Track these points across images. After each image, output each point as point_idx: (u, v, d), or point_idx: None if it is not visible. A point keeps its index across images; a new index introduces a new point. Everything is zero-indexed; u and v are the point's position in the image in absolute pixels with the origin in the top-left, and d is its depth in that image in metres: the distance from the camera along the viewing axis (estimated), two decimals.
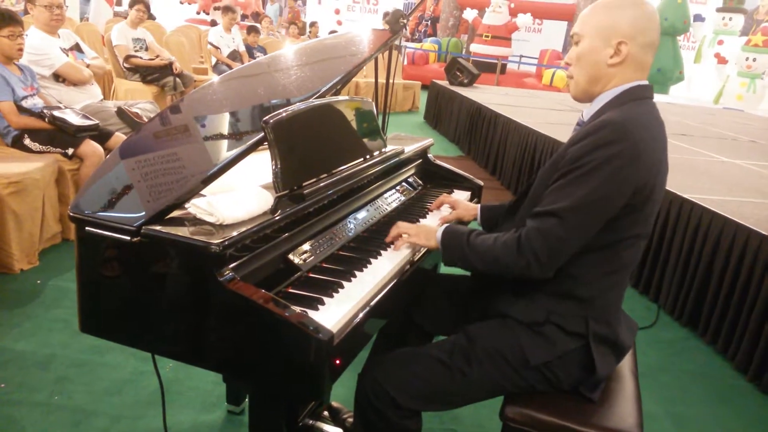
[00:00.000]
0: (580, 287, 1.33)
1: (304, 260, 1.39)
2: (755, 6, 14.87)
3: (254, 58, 6.91)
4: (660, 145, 1.29)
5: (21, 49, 3.11)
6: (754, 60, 11.30)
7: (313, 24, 12.75)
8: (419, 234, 1.53)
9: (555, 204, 1.25)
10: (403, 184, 2.10)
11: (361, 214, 1.72)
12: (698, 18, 13.87)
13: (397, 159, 1.96)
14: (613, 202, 1.23)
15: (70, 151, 3.15)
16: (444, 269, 2.40)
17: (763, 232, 2.56)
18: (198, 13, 15.49)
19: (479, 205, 1.84)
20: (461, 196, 2.20)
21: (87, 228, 1.21)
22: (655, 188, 1.27)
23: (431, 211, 1.92)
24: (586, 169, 1.22)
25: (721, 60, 12.92)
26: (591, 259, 1.31)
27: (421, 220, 1.83)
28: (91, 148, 3.20)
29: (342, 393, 2.06)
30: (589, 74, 1.35)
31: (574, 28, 1.38)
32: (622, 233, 1.29)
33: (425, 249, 1.66)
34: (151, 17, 8.91)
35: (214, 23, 12.11)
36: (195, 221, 1.21)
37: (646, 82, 1.34)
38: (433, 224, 1.69)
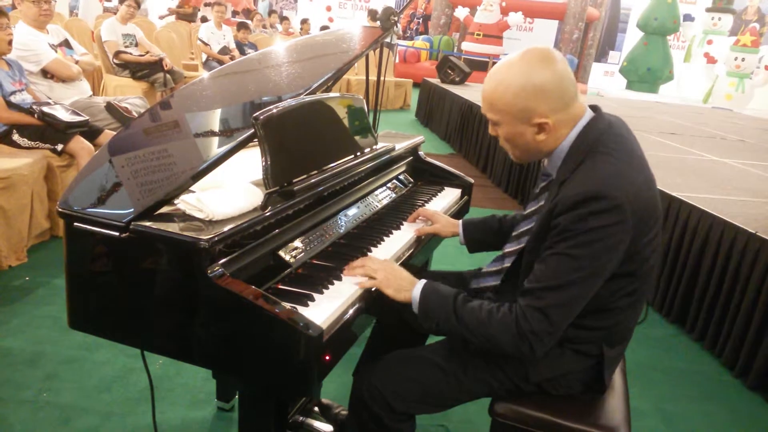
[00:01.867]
0: (600, 318, 1.30)
1: (295, 257, 1.39)
2: (744, 6, 14.98)
3: (245, 55, 6.89)
4: (645, 187, 1.22)
5: (10, 42, 3.08)
6: (743, 60, 11.40)
7: (304, 21, 12.70)
8: (389, 281, 1.34)
9: (549, 280, 1.19)
10: (394, 181, 2.10)
11: (352, 211, 1.72)
12: (688, 18, 13.97)
13: (388, 156, 1.96)
14: (607, 267, 1.19)
15: (60, 147, 3.13)
16: (434, 266, 2.40)
17: (751, 230, 2.58)
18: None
19: (461, 222, 1.74)
20: (451, 193, 2.20)
21: (75, 224, 1.21)
22: (647, 230, 1.22)
23: (405, 222, 1.80)
24: (576, 242, 1.16)
25: (711, 60, 13.02)
26: (614, 290, 1.26)
27: (394, 232, 1.71)
28: (80, 144, 3.17)
29: (332, 389, 2.06)
30: (524, 151, 1.31)
31: (483, 108, 1.30)
32: (639, 272, 1.26)
33: (414, 249, 1.65)
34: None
35: (204, 20, 12.04)
36: (184, 217, 1.21)
37: (589, 116, 1.27)
38: (404, 240, 1.66)
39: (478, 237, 1.73)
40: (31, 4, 3.54)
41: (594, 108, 1.30)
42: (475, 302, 1.28)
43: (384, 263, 1.40)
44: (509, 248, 1.45)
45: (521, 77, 1.21)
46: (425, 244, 1.76)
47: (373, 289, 1.36)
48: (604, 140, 1.24)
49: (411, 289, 1.33)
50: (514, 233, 1.46)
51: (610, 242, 1.16)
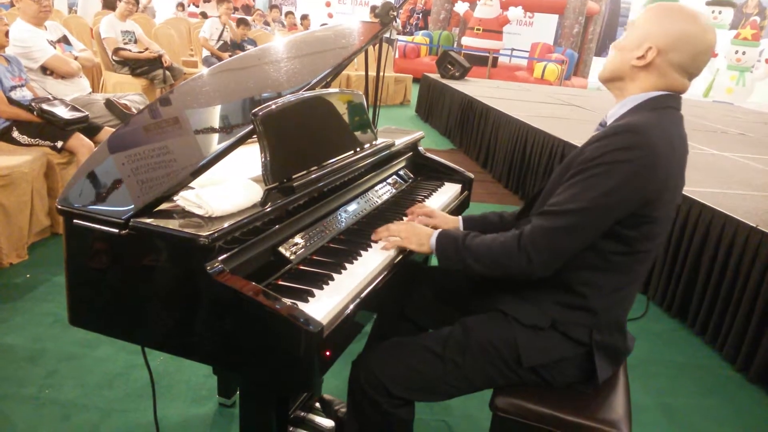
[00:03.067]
0: (592, 299, 1.31)
1: (294, 252, 1.39)
2: (744, 0, 14.93)
3: (244, 51, 6.88)
4: (677, 157, 1.25)
5: (7, 33, 3.08)
6: (744, 53, 11.38)
7: (304, 17, 12.68)
8: (410, 237, 1.49)
9: (564, 203, 1.23)
10: (394, 176, 2.10)
11: (352, 207, 1.72)
12: None
13: (388, 152, 1.95)
14: (621, 207, 1.20)
15: (60, 144, 3.12)
16: (435, 261, 2.40)
17: (752, 224, 2.58)
18: (189, 5, 15.37)
19: (461, 217, 1.75)
20: (452, 189, 2.20)
21: (75, 221, 1.21)
22: (666, 199, 1.24)
23: (405, 219, 1.79)
24: (599, 170, 1.19)
25: (712, 53, 13.00)
26: (605, 273, 1.29)
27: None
28: (80, 141, 3.17)
29: (334, 384, 2.06)
30: (615, 66, 1.32)
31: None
32: (638, 247, 1.27)
33: None
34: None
35: (204, 15, 12.03)
36: (184, 214, 1.21)
37: (673, 93, 1.30)
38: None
39: (478, 228, 1.72)
40: (31, 1, 3.53)
41: (680, 96, 1.33)
42: (484, 235, 1.36)
43: (405, 224, 1.55)
44: None
45: (681, 13, 1.24)
46: None
47: (397, 255, 1.50)
48: (670, 112, 1.27)
49: (429, 239, 1.45)
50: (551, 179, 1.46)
51: (633, 180, 1.18)
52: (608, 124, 1.33)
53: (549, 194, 1.33)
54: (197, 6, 15.06)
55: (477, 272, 1.36)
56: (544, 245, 1.24)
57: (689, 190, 3.06)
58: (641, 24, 1.28)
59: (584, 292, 1.31)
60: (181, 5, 14.07)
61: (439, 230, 1.46)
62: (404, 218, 1.77)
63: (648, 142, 1.17)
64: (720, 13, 13.28)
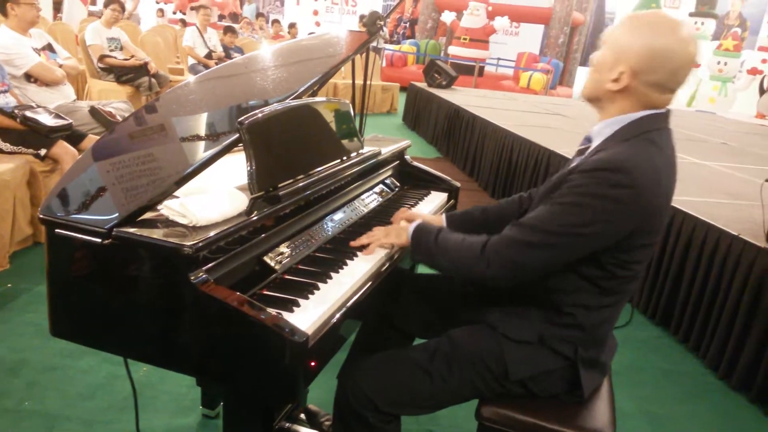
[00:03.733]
0: (580, 318, 1.31)
1: (280, 262, 1.38)
2: (726, 11, 15.18)
3: (231, 59, 6.86)
4: (664, 190, 1.22)
5: None
6: (725, 64, 11.55)
7: (292, 25, 12.69)
8: (390, 233, 1.53)
9: (537, 220, 1.22)
10: (381, 185, 2.10)
11: (338, 216, 1.72)
12: None
13: (374, 160, 1.96)
14: (594, 240, 1.20)
15: (43, 152, 3.09)
16: (422, 269, 2.40)
17: (734, 233, 2.61)
18: (174, 12, 15.34)
19: (444, 215, 1.75)
20: (438, 197, 2.20)
21: (57, 230, 1.19)
22: (649, 230, 1.23)
23: (392, 222, 1.77)
24: (580, 200, 1.18)
25: (694, 64, 13.19)
26: (594, 295, 1.29)
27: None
28: (64, 149, 3.14)
29: (319, 395, 2.05)
30: (592, 87, 1.29)
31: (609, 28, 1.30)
32: (623, 273, 1.27)
33: (401, 251, 1.65)
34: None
35: (183, 23, 11.99)
36: (168, 223, 1.20)
37: (658, 111, 1.26)
38: None
39: (464, 228, 1.70)
40: (29, 7, 3.51)
41: (667, 109, 1.29)
42: (456, 234, 1.37)
43: (385, 227, 1.58)
44: None
45: (654, 28, 1.19)
46: None
47: (386, 263, 1.50)
48: (658, 134, 1.24)
49: (407, 230, 1.47)
50: (537, 194, 1.45)
51: (610, 216, 1.17)
52: (593, 141, 1.32)
53: (534, 209, 1.32)
54: (184, 13, 15.02)
55: (442, 269, 1.38)
56: (505, 254, 1.24)
57: (672, 198, 3.09)
58: (613, 42, 1.24)
59: (573, 311, 1.31)
60: (161, 11, 14.04)
61: (419, 222, 1.48)
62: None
63: (633, 182, 1.15)
64: (702, 24, 13.48)
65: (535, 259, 1.23)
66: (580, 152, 1.37)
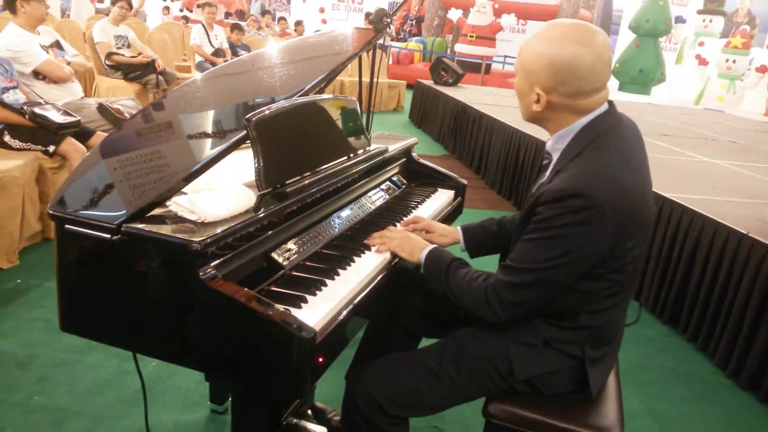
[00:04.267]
0: (584, 320, 1.31)
1: (288, 258, 1.38)
2: (734, 9, 15.08)
3: (238, 56, 6.88)
4: (635, 196, 1.21)
5: None
6: (734, 62, 11.46)
7: (298, 23, 12.69)
8: (403, 246, 1.50)
9: (521, 261, 1.24)
10: (387, 182, 2.10)
11: (345, 213, 1.72)
12: (679, 20, 14.04)
13: (381, 158, 1.96)
14: (580, 263, 1.21)
15: (51, 148, 3.11)
16: None
17: (742, 231, 2.60)
18: (181, 10, 15.37)
19: (460, 229, 1.73)
20: (444, 195, 2.20)
21: (66, 226, 1.20)
22: (632, 232, 1.22)
23: (399, 225, 1.76)
24: (553, 233, 1.19)
25: (702, 61, 13.09)
26: (595, 302, 1.29)
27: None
28: (72, 146, 3.15)
29: (327, 391, 2.06)
30: (525, 112, 1.32)
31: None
32: (619, 277, 1.27)
33: None
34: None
35: (186, 20, 12.00)
36: (176, 219, 1.21)
37: (601, 110, 1.25)
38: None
39: (480, 242, 1.71)
40: (38, 4, 3.53)
41: (610, 103, 1.28)
42: (464, 270, 1.36)
43: (400, 232, 1.56)
44: None
45: (549, 43, 1.20)
46: None
47: (392, 260, 1.51)
48: (605, 138, 1.24)
49: (420, 252, 1.45)
50: (517, 218, 1.46)
51: (584, 240, 1.18)
52: (552, 156, 1.32)
53: (515, 239, 1.33)
54: (190, 11, 15.05)
55: (452, 302, 1.37)
56: (508, 300, 1.26)
57: (681, 197, 3.08)
58: (521, 68, 1.26)
59: (577, 317, 1.31)
60: (166, 8, 14.05)
61: (432, 247, 1.46)
62: (397, 225, 1.77)
63: (594, 202, 1.15)
64: (710, 21, 13.39)
65: (530, 296, 1.25)
66: (543, 168, 1.38)
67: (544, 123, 1.32)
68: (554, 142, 1.31)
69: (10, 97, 3.10)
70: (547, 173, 1.33)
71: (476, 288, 1.30)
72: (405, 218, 1.81)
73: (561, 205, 1.18)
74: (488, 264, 1.52)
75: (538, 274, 1.22)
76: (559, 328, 1.32)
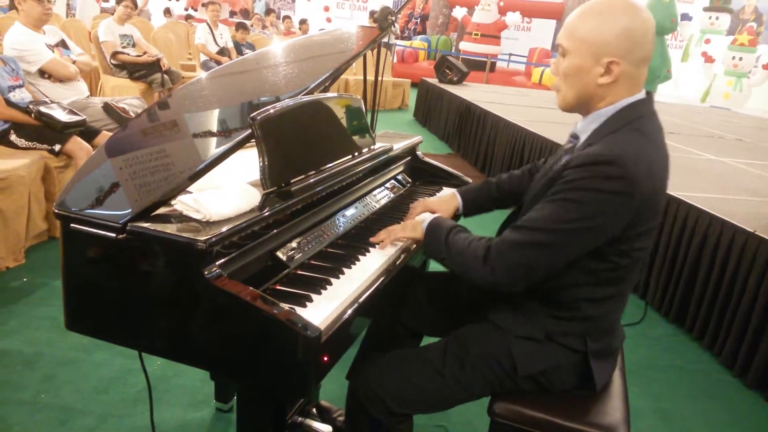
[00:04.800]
0: (585, 310, 1.30)
1: (292, 257, 1.38)
2: (741, 6, 14.99)
3: (243, 55, 6.88)
4: (657, 180, 1.22)
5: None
6: (740, 59, 11.41)
7: (303, 21, 12.70)
8: (406, 227, 1.52)
9: (538, 221, 1.20)
10: (392, 181, 2.10)
11: (350, 211, 1.72)
12: (685, 17, 13.96)
13: (386, 156, 1.95)
14: (595, 234, 1.19)
15: (57, 147, 3.12)
16: (432, 266, 2.40)
17: (749, 229, 2.58)
18: (186, 9, 15.39)
19: (456, 192, 1.76)
20: (446, 193, 2.19)
21: (72, 225, 1.20)
22: (646, 218, 1.22)
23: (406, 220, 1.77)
24: (577, 195, 1.17)
25: (708, 59, 13.03)
26: (597, 286, 1.28)
27: None
28: (78, 144, 3.16)
29: (331, 390, 2.06)
30: (578, 93, 1.27)
31: (559, 37, 1.27)
32: (625, 261, 1.26)
33: (414, 245, 1.65)
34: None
35: (189, 17, 12.00)
36: (181, 218, 1.21)
37: (642, 96, 1.26)
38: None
39: (478, 204, 1.77)
40: (34, 3, 3.53)
41: (647, 93, 1.29)
42: (465, 234, 1.36)
43: (403, 222, 1.59)
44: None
45: (622, 8, 1.19)
46: None
47: (398, 258, 1.51)
48: (642, 122, 1.24)
49: (422, 224, 1.46)
50: (530, 192, 1.43)
51: (608, 208, 1.16)
52: (580, 137, 1.31)
53: (528, 208, 1.30)
54: (195, 9, 15.06)
55: (453, 271, 1.36)
56: (508, 259, 1.22)
57: (687, 195, 3.07)
58: (584, 38, 1.21)
59: (578, 305, 1.30)
60: (167, 11, 14.02)
61: (434, 216, 1.47)
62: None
63: (627, 173, 1.14)
64: (717, 18, 13.31)
65: (539, 259, 1.21)
66: (568, 150, 1.36)
67: (592, 103, 1.27)
68: (589, 122, 1.29)
69: (16, 96, 3.11)
70: (575, 151, 1.30)
71: (476, 247, 1.28)
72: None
73: (593, 169, 1.15)
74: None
75: (550, 235, 1.19)
76: (559, 319, 1.32)
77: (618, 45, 1.19)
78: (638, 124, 1.23)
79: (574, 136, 1.35)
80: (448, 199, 1.76)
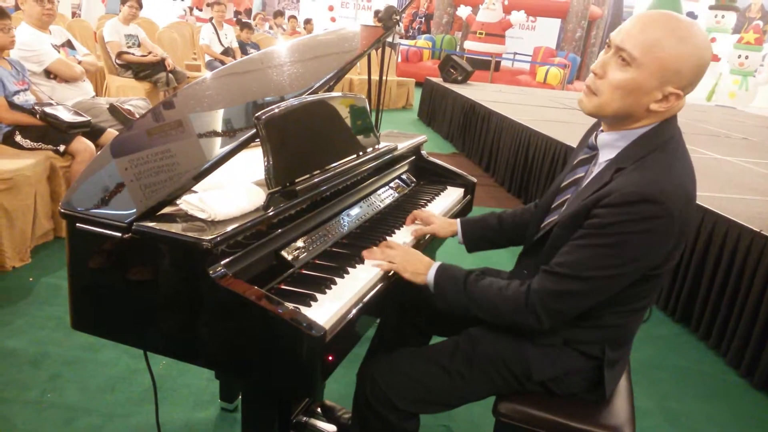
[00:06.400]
0: (604, 320, 1.28)
1: (297, 257, 1.38)
2: (747, 4, 14.93)
3: (247, 55, 6.89)
4: (692, 203, 1.18)
5: (13, 41, 3.10)
6: (746, 58, 11.36)
7: (308, 21, 12.70)
8: (405, 266, 1.40)
9: (574, 267, 1.17)
10: (397, 180, 2.10)
11: (354, 211, 1.72)
12: (691, 16, 13.91)
13: (390, 156, 1.95)
14: (636, 272, 1.17)
15: (62, 147, 3.13)
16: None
17: (755, 229, 2.57)
18: (191, 8, 15.41)
19: (458, 221, 1.72)
20: (454, 193, 2.20)
21: (78, 224, 1.20)
22: (684, 239, 1.20)
23: (404, 227, 1.75)
24: (614, 240, 1.13)
25: (714, 58, 12.97)
26: (619, 305, 1.26)
27: (396, 232, 1.70)
28: (82, 145, 3.17)
29: (337, 389, 2.06)
30: (622, 108, 1.18)
31: (629, 42, 1.13)
32: (657, 277, 1.24)
33: (423, 241, 1.65)
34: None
35: (191, 11, 12.01)
36: (186, 217, 1.21)
37: (669, 118, 1.21)
38: (406, 240, 1.64)
39: (477, 234, 1.70)
40: (34, 3, 3.54)
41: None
42: (486, 280, 1.31)
43: (402, 248, 1.46)
44: (547, 220, 1.40)
45: (700, 42, 1.11)
46: (426, 246, 1.75)
47: (390, 273, 1.43)
48: (673, 143, 1.19)
49: (426, 272, 1.38)
50: (552, 206, 1.39)
51: (647, 249, 1.13)
52: (601, 152, 1.27)
53: (556, 243, 1.26)
54: (200, 9, 15.09)
55: (476, 315, 1.32)
56: (554, 308, 1.20)
57: None
58: (662, 59, 1.11)
59: (601, 315, 1.28)
60: (190, 9, 14.06)
61: (438, 265, 1.38)
62: (402, 228, 1.76)
63: (667, 210, 1.10)
64: (723, 17, 13.27)
65: (583, 304, 1.21)
66: (584, 161, 1.33)
67: (629, 121, 1.21)
68: (617, 139, 1.23)
69: (20, 99, 3.13)
70: (596, 169, 1.27)
71: (512, 296, 1.24)
72: (389, 237, 1.72)
73: (630, 210, 1.10)
74: (490, 257, 1.52)
75: (590, 283, 1.17)
76: (581, 328, 1.30)
77: (687, 78, 1.13)
78: (669, 146, 1.19)
79: (592, 147, 1.31)
80: (449, 222, 1.73)
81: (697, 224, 2.87)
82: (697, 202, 2.88)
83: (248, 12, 15.87)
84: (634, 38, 1.13)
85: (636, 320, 1.34)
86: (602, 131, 1.29)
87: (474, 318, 1.41)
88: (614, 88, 1.17)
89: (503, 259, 3.06)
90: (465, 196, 2.25)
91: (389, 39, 2.01)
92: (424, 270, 1.39)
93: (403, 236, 1.69)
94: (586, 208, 1.19)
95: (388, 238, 1.69)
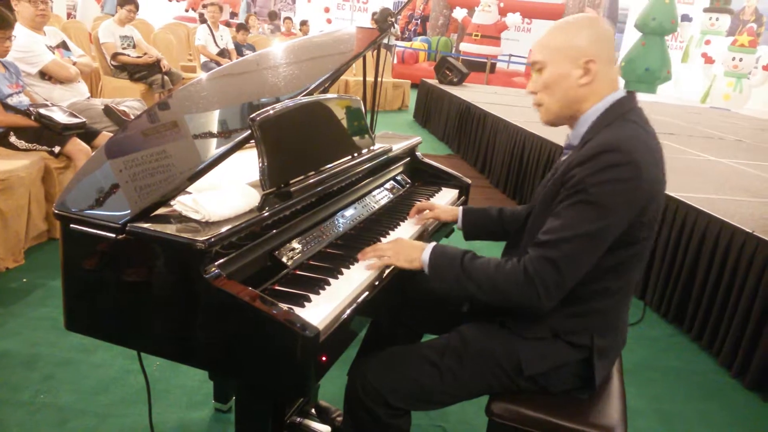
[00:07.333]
0: (590, 304, 1.31)
1: (291, 258, 1.39)
2: (741, 7, 15.00)
3: (243, 56, 6.88)
4: (658, 163, 1.26)
5: (8, 50, 3.09)
6: (740, 60, 11.41)
7: (304, 23, 12.70)
8: (398, 254, 1.41)
9: (560, 231, 1.20)
10: (392, 182, 2.10)
11: (349, 212, 1.73)
12: (686, 18, 13.98)
13: (385, 157, 1.96)
14: (620, 224, 1.21)
15: (57, 149, 3.12)
16: None
17: (748, 230, 2.59)
18: (186, 10, 15.40)
19: (460, 208, 1.75)
20: (449, 194, 2.20)
21: (72, 225, 1.21)
22: (656, 201, 1.25)
23: (406, 220, 1.79)
24: (591, 194, 1.18)
25: (708, 60, 13.04)
26: (602, 278, 1.28)
27: (391, 232, 1.70)
28: (77, 146, 3.17)
29: (330, 391, 2.06)
30: (562, 99, 1.32)
31: (533, 56, 1.35)
32: (632, 249, 1.27)
33: (424, 234, 1.66)
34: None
35: (202, 18, 12.02)
36: (181, 218, 1.21)
37: (624, 93, 1.31)
38: (407, 233, 1.66)
39: (477, 223, 1.73)
40: (27, 4, 3.53)
41: (629, 91, 1.34)
42: (483, 258, 1.32)
43: (392, 241, 1.47)
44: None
45: (584, 20, 1.30)
46: (429, 237, 1.76)
47: (385, 271, 1.44)
48: (633, 113, 1.29)
49: (420, 255, 1.38)
50: (537, 198, 1.44)
51: (624, 197, 1.19)
52: (574, 145, 1.34)
53: (539, 218, 1.32)
54: (195, 10, 15.07)
55: (474, 296, 1.32)
56: (553, 279, 1.21)
57: (686, 195, 3.07)
58: (558, 47, 1.30)
59: (585, 298, 1.31)
60: (203, 5, 14.02)
61: (433, 245, 1.39)
62: (401, 224, 1.78)
63: (631, 158, 1.18)
64: (717, 19, 13.33)
65: (579, 268, 1.23)
66: (565, 161, 1.37)
67: (577, 106, 1.32)
68: (579, 127, 1.33)
69: (13, 100, 3.11)
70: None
71: (511, 270, 1.25)
72: (394, 230, 1.75)
73: (596, 162, 1.18)
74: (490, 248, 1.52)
75: (578, 242, 1.19)
76: (569, 316, 1.32)
77: (589, 47, 1.28)
78: (630, 116, 1.28)
79: (569, 147, 1.38)
80: (450, 207, 1.79)
81: (690, 224, 2.89)
82: (692, 203, 2.92)
83: (233, 15, 15.86)
84: (535, 50, 1.35)
85: (621, 304, 1.36)
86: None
87: (464, 316, 1.42)
88: (545, 90, 1.34)
89: (494, 254, 3.06)
90: (460, 197, 2.25)
91: (385, 41, 2.01)
92: (417, 254, 1.39)
93: (406, 229, 1.71)
94: (559, 180, 1.27)
95: (391, 232, 1.70)
